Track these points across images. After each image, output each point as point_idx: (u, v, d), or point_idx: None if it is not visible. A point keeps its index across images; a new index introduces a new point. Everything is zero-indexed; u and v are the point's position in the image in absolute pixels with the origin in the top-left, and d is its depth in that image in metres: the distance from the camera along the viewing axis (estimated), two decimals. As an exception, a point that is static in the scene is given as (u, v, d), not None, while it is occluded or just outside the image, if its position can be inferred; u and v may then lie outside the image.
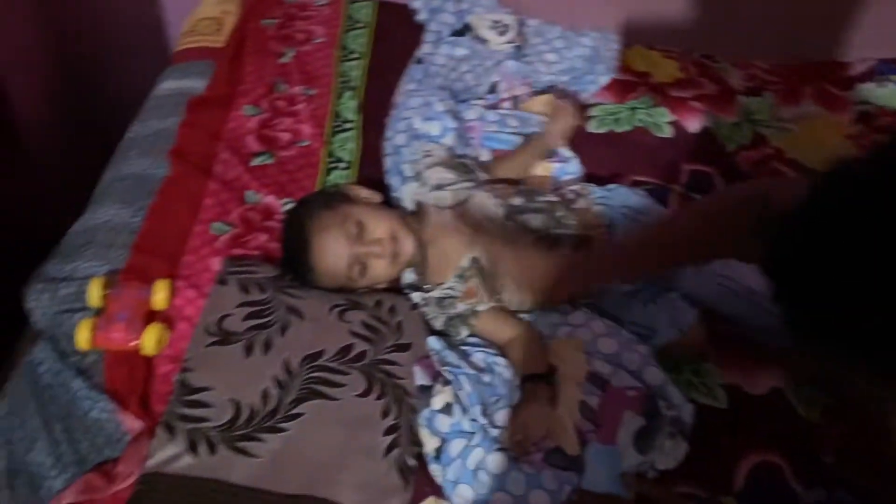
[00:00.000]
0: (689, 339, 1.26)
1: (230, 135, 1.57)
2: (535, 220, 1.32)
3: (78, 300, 1.27)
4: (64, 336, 1.23)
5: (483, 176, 1.44)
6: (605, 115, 1.71)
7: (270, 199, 1.46)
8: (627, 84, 1.79)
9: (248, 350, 1.16)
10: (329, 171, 1.53)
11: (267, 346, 1.17)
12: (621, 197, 1.39)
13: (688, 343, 1.26)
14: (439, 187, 1.37)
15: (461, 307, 1.28)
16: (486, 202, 1.34)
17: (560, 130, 1.50)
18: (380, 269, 1.27)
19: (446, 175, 1.39)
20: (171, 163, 1.50)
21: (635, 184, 1.55)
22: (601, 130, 1.68)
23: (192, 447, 1.06)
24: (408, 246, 1.28)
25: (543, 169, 1.56)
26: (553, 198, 1.38)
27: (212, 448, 1.07)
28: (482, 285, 1.29)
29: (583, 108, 1.68)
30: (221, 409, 1.10)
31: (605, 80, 1.76)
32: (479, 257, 1.29)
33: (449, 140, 1.50)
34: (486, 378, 1.21)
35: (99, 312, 1.25)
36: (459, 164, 1.45)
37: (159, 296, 1.25)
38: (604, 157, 1.62)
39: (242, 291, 1.24)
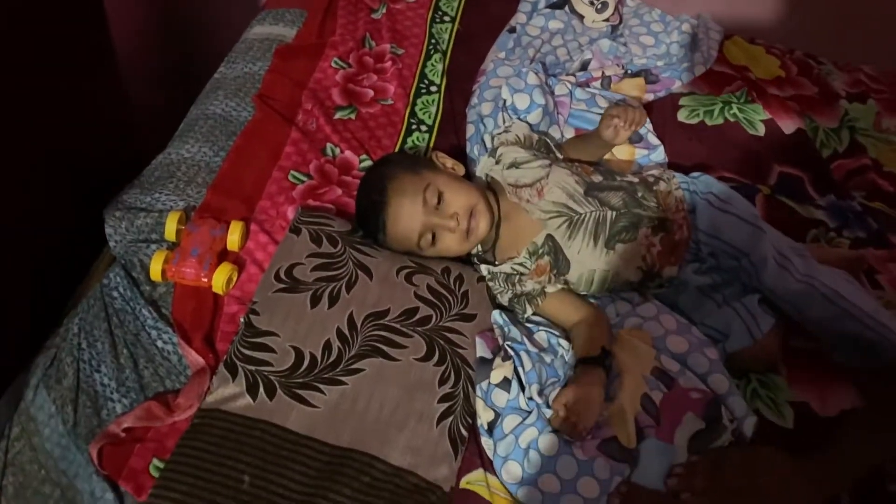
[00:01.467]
0: (762, 347, 1.21)
1: (316, 86, 1.57)
2: (615, 198, 1.28)
3: (154, 231, 1.29)
4: (138, 264, 1.25)
5: (558, 155, 1.41)
6: (698, 106, 1.65)
7: (349, 155, 1.45)
8: (724, 76, 1.72)
9: (315, 301, 1.16)
10: (410, 131, 1.52)
11: (333, 299, 1.17)
12: (705, 184, 1.34)
13: (760, 352, 1.22)
14: (514, 165, 1.34)
15: (530, 285, 1.26)
16: (566, 178, 1.30)
17: (607, 123, 1.30)
18: (450, 243, 1.26)
19: (522, 154, 1.36)
20: (256, 106, 1.51)
21: (722, 179, 1.49)
22: (691, 121, 1.63)
23: (252, 389, 1.07)
24: (483, 225, 1.26)
25: (628, 153, 1.52)
26: (633, 178, 1.34)
27: (271, 392, 1.07)
28: (552, 264, 1.26)
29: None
30: (283, 355, 1.11)
31: (701, 69, 1.70)
32: (555, 235, 1.26)
33: (535, 116, 1.47)
34: (548, 358, 1.19)
35: (173, 246, 1.27)
36: (539, 141, 1.42)
37: (233, 236, 1.27)
38: (691, 148, 1.58)
39: (314, 242, 1.24)
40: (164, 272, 1.22)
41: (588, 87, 1.61)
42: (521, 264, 1.27)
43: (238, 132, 1.47)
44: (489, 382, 1.15)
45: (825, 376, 1.24)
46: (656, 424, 1.10)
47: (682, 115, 1.63)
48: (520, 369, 1.16)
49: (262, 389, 1.08)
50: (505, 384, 1.14)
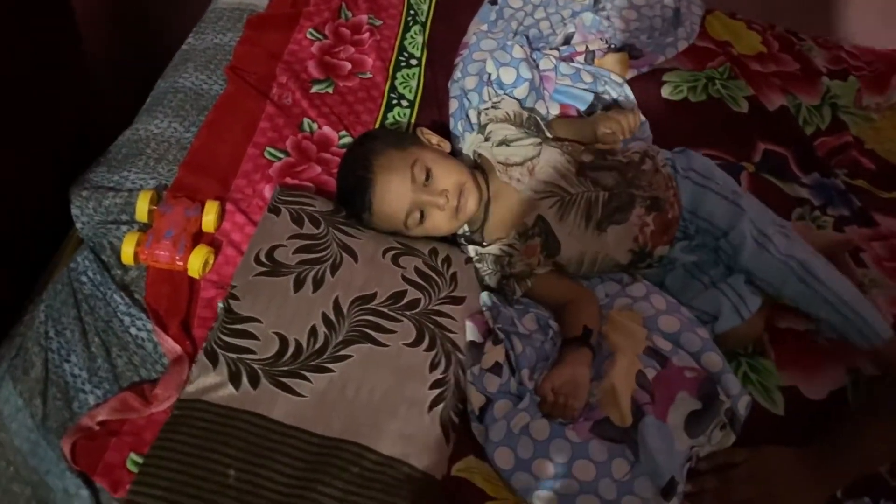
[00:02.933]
0: (750, 326, 1.20)
1: (290, 58, 1.50)
2: (607, 178, 1.25)
3: (124, 212, 1.22)
4: (107, 247, 1.18)
5: (547, 134, 1.37)
6: (681, 82, 1.62)
7: (327, 130, 1.39)
8: (707, 52, 1.69)
9: (298, 284, 1.11)
10: (391, 106, 1.46)
11: (318, 283, 1.12)
12: (687, 159, 1.32)
13: (748, 331, 1.21)
14: (504, 143, 1.31)
15: (519, 266, 1.23)
16: (557, 158, 1.27)
17: (605, 133, 1.34)
18: (438, 221, 1.22)
19: (512, 131, 1.33)
20: (228, 79, 1.44)
21: (706, 157, 1.47)
22: (675, 98, 1.60)
23: (235, 378, 1.02)
24: (472, 203, 1.22)
25: (613, 130, 1.49)
26: (622, 158, 1.31)
27: (254, 381, 1.02)
28: (543, 245, 1.23)
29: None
30: (267, 342, 1.06)
31: (684, 44, 1.67)
32: (545, 216, 1.23)
33: (522, 91, 1.42)
34: (539, 340, 1.17)
35: (145, 227, 1.20)
36: (528, 118, 1.38)
37: (209, 217, 1.20)
38: (675, 125, 1.55)
39: (295, 223, 1.18)
40: (136, 255, 1.15)
41: (572, 61, 1.57)
42: (510, 245, 1.24)
43: (210, 106, 1.39)
44: (480, 367, 1.12)
45: (812, 357, 1.24)
46: (652, 401, 1.08)
47: (665, 92, 1.61)
48: (511, 353, 1.13)
49: (245, 378, 1.03)
50: (496, 369, 1.11)
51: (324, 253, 1.16)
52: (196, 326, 1.13)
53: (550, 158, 1.27)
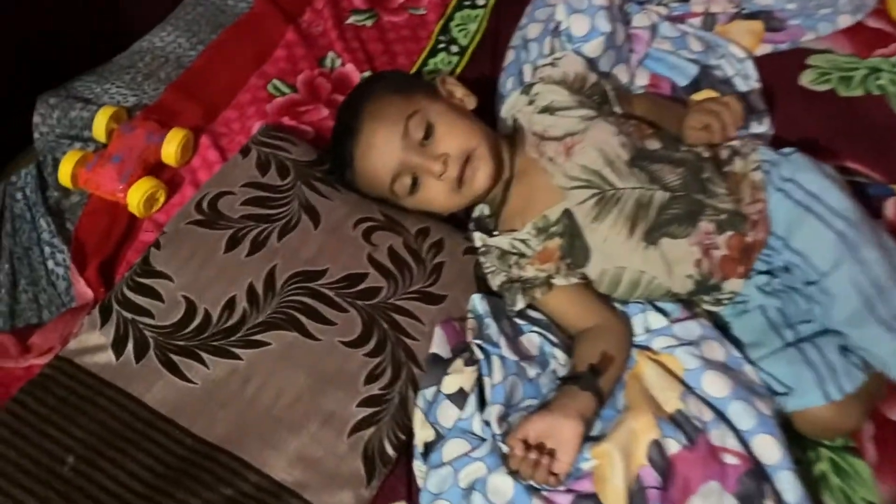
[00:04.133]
0: (838, 414, 0.86)
1: (339, -19, 1.29)
2: (671, 175, 0.93)
3: (87, 128, 1.08)
4: (51, 164, 1.04)
5: (616, 109, 1.06)
6: (832, 69, 1.24)
7: (350, 69, 1.18)
8: (878, 34, 1.29)
9: (233, 243, 0.91)
10: (435, 51, 1.21)
11: (257, 245, 0.91)
12: (794, 166, 0.95)
13: (833, 419, 0.86)
14: (547, 110, 1.01)
15: (531, 271, 0.94)
16: (608, 138, 0.96)
17: (695, 128, 0.98)
18: (434, 193, 0.95)
19: (563, 97, 1.02)
20: (257, -3, 1.25)
21: (843, 171, 1.10)
22: (818, 87, 1.22)
23: (119, 343, 0.85)
24: (481, 177, 0.95)
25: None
26: (704, 152, 0.97)
27: (141, 352, 0.84)
28: (565, 251, 0.93)
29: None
30: (171, 306, 0.87)
31: (847, 20, 1.28)
32: (575, 212, 0.93)
33: (595, 47, 1.11)
34: (532, 371, 0.90)
35: (99, 148, 1.04)
36: (595, 85, 1.07)
37: (170, 147, 1.02)
38: (808, 122, 1.18)
39: (259, 168, 0.97)
40: (75, 177, 0.99)
41: (682, 23, 1.24)
42: (523, 241, 0.95)
43: (228, 25, 1.22)
44: (438, 391, 0.87)
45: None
46: (663, 488, 0.80)
47: (806, 78, 1.23)
48: (486, 380, 0.87)
49: (130, 346, 0.84)
50: (459, 397, 0.86)
51: (279, 210, 0.94)
52: (121, 272, 0.96)
53: (599, 137, 0.96)
